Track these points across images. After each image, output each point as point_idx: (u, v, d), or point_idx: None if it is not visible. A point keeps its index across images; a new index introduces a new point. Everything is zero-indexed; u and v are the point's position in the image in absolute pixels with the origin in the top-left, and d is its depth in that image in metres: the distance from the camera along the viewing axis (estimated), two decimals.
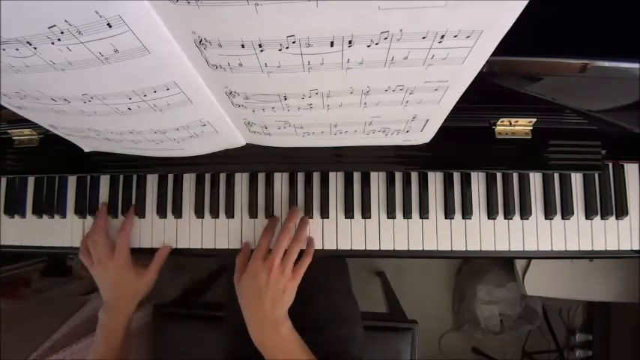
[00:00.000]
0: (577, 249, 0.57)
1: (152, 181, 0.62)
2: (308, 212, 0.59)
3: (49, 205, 0.63)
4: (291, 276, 0.53)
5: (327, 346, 0.55)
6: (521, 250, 0.57)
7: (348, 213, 0.58)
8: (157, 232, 0.61)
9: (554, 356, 1.32)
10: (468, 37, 0.28)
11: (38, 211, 0.63)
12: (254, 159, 0.55)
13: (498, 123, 0.52)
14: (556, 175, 0.58)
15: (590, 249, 0.57)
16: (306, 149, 0.52)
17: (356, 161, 0.56)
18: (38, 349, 0.70)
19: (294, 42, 0.28)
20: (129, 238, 0.58)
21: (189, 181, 0.61)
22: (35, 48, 0.29)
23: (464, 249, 0.57)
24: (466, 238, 0.57)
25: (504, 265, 1.29)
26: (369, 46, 0.29)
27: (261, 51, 0.29)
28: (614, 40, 0.40)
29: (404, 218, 0.58)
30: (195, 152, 0.52)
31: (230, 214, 0.60)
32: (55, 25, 0.27)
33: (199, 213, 0.60)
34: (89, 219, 0.62)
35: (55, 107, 0.39)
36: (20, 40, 0.28)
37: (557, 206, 0.57)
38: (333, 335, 0.57)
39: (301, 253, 0.55)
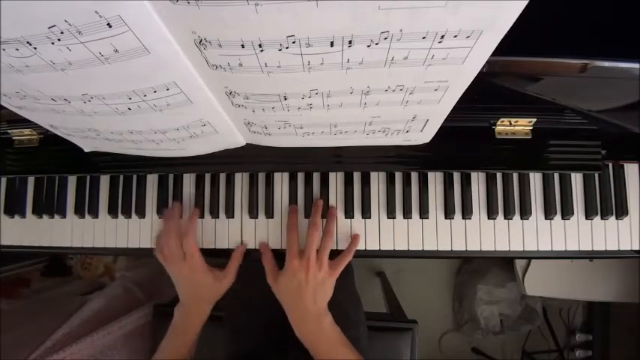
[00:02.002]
0: (577, 249, 0.57)
1: (152, 181, 0.62)
2: (308, 212, 0.59)
3: (49, 205, 0.63)
4: (328, 271, 0.54)
5: None
6: (521, 250, 0.57)
7: (348, 213, 0.58)
8: (157, 232, 0.61)
9: (554, 356, 1.32)
10: (467, 37, 0.28)
11: (38, 211, 0.63)
12: (254, 159, 0.55)
13: (498, 123, 0.52)
14: (556, 175, 0.58)
15: (590, 249, 0.57)
16: (306, 149, 0.52)
17: (356, 161, 0.56)
18: (38, 349, 0.70)
19: (294, 42, 0.28)
20: (195, 240, 0.57)
21: (189, 181, 0.61)
22: (35, 48, 0.29)
23: (464, 249, 0.57)
24: (466, 238, 0.57)
25: (504, 265, 1.29)
26: (369, 46, 0.29)
27: (261, 51, 0.29)
28: (614, 40, 0.40)
29: (404, 218, 0.58)
30: (195, 152, 0.52)
31: (230, 214, 0.60)
32: (55, 25, 0.27)
33: (199, 213, 0.60)
34: (89, 219, 0.62)
35: (55, 107, 0.39)
36: (20, 40, 0.28)
37: (557, 206, 0.57)
38: None
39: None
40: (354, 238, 0.57)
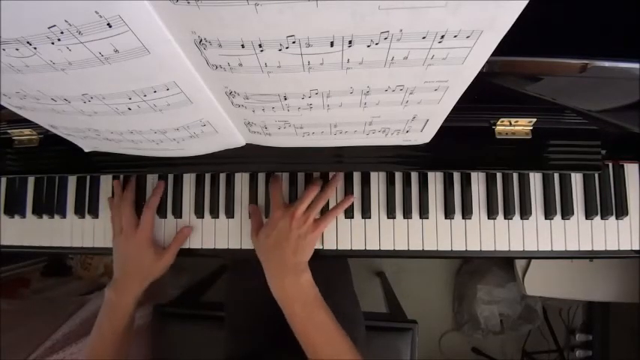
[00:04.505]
0: (577, 249, 0.57)
1: (152, 181, 0.62)
2: None
3: (49, 205, 0.63)
4: (312, 226, 0.53)
5: None
6: (521, 250, 0.57)
7: (348, 213, 0.58)
8: (157, 231, 0.61)
9: (554, 356, 1.32)
10: (468, 37, 0.28)
11: (38, 211, 0.63)
12: (254, 159, 0.55)
13: (498, 123, 0.52)
14: (556, 175, 0.58)
15: (590, 249, 0.57)
16: (306, 149, 0.51)
17: (356, 161, 0.56)
18: (38, 349, 0.70)
19: (294, 42, 0.28)
20: (154, 214, 0.58)
21: (189, 181, 0.61)
22: (35, 48, 0.29)
23: (464, 249, 0.57)
24: (466, 238, 0.57)
25: (504, 265, 1.29)
26: (369, 46, 0.29)
27: (261, 51, 0.29)
28: (614, 40, 0.40)
29: (404, 218, 0.58)
30: (195, 152, 0.52)
31: (230, 214, 0.60)
32: (55, 25, 0.27)
33: (199, 213, 0.60)
34: (89, 219, 0.62)
35: (55, 107, 0.39)
36: (20, 40, 0.28)
37: (557, 206, 0.57)
38: None
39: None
40: (347, 196, 0.57)
